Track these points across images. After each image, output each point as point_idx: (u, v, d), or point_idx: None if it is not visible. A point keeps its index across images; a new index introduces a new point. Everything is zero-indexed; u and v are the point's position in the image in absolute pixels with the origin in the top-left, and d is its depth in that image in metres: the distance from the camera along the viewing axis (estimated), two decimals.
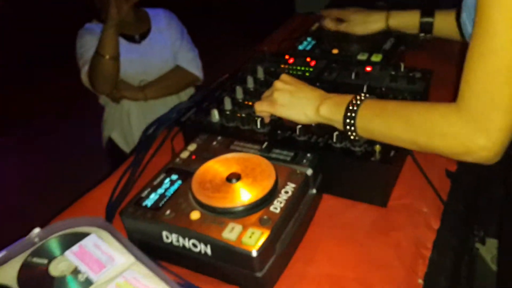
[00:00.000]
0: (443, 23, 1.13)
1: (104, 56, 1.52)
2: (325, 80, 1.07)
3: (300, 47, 1.27)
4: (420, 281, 0.73)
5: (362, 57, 1.17)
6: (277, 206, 0.74)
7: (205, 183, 0.79)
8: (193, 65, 1.78)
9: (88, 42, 1.63)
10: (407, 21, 1.18)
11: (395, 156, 0.82)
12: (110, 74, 1.57)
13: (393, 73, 1.03)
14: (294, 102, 0.85)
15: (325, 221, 0.85)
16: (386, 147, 0.83)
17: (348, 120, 0.78)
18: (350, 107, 0.78)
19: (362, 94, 0.80)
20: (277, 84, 0.88)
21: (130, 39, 1.71)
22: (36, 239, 0.78)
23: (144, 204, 0.79)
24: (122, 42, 1.66)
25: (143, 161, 1.03)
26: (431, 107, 0.70)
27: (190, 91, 1.88)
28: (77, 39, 1.68)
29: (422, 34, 1.17)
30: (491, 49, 0.59)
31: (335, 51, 1.22)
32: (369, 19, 1.22)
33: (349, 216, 0.85)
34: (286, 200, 0.76)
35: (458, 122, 0.64)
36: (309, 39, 1.31)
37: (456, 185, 0.92)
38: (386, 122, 0.75)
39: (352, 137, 0.80)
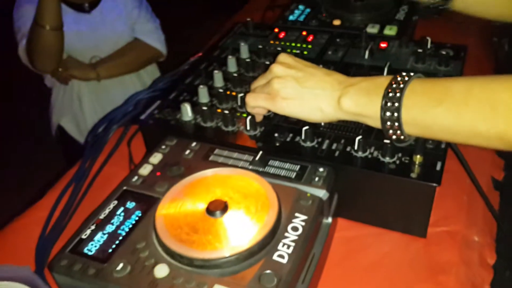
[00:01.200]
0: None
1: (44, 26, 1.26)
2: (330, 60, 0.83)
3: (291, 17, 1.01)
4: None
5: (372, 29, 0.92)
6: (283, 252, 0.51)
7: (176, 218, 0.54)
8: (154, 38, 1.52)
9: (26, 12, 1.36)
10: None
11: (442, 170, 0.59)
12: (52, 49, 1.32)
13: (419, 50, 0.79)
14: (303, 93, 0.60)
15: (344, 258, 0.61)
16: (430, 158, 0.59)
17: (389, 114, 0.53)
18: (390, 94, 0.53)
19: (405, 74, 0.55)
20: (276, 68, 0.62)
21: (78, 7, 1.44)
22: None
23: (85, 250, 0.53)
24: (68, 11, 1.40)
25: (89, 174, 0.76)
26: None
27: (153, 70, 1.61)
28: (14, 9, 1.41)
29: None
30: None
31: (336, 22, 0.97)
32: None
33: (377, 252, 0.62)
34: (296, 242, 0.52)
35: None
36: (301, 7, 1.05)
37: (507, 199, 0.71)
38: (455, 110, 0.50)
39: (396, 139, 0.55)
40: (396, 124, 0.53)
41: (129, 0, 1.49)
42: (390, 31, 0.91)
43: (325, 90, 0.59)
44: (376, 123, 0.55)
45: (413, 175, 0.58)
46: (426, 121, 0.52)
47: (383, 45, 0.84)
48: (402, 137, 0.54)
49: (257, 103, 0.63)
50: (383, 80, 0.55)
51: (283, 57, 0.64)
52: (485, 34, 1.12)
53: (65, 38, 1.34)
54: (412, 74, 0.54)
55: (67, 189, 0.74)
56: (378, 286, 0.58)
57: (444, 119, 0.50)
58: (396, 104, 0.52)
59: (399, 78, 0.54)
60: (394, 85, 0.53)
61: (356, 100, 0.56)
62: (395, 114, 0.52)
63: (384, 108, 0.53)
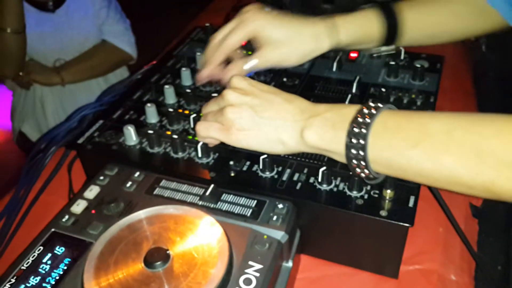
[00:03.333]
0: (415, 25, 0.67)
1: (4, 29, 1.18)
2: (295, 73, 0.75)
3: None
4: None
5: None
6: None
7: (109, 268, 0.46)
8: (123, 40, 1.44)
9: None
10: (364, 29, 0.66)
11: (415, 207, 0.52)
12: (14, 53, 1.24)
13: (391, 62, 0.72)
14: (262, 124, 0.52)
15: None
16: (402, 193, 0.53)
17: (354, 152, 0.46)
18: (356, 129, 0.46)
19: (372, 105, 0.48)
20: (229, 95, 0.54)
21: (41, 6, 1.35)
22: None
23: None
24: (31, 10, 1.31)
25: (24, 204, 0.67)
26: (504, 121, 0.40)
27: (123, 74, 1.53)
28: None
29: (383, 49, 0.73)
30: None
31: None
32: (302, 37, 0.64)
33: None
34: None
35: None
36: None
37: (485, 227, 0.65)
38: (433, 154, 0.43)
39: (365, 177, 0.49)
40: (363, 163, 0.46)
41: (97, 0, 1.40)
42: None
43: (286, 120, 0.52)
44: (342, 159, 0.48)
45: (383, 213, 0.51)
46: (400, 163, 0.45)
47: (353, 55, 0.77)
48: (371, 175, 0.47)
49: (209, 134, 0.55)
50: (350, 111, 0.48)
51: (236, 81, 0.56)
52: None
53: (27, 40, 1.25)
54: (380, 105, 0.47)
55: None
56: None
57: (421, 163, 0.43)
58: (362, 142, 0.45)
59: (365, 111, 0.46)
60: (359, 119, 0.46)
61: (320, 134, 0.49)
62: (361, 153, 0.45)
63: (349, 146, 0.46)
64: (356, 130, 0.46)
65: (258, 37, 0.63)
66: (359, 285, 0.56)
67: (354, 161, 0.46)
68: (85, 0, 1.41)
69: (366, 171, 0.47)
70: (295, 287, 0.56)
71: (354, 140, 0.46)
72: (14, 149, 1.62)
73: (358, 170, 0.47)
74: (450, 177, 0.42)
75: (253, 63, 0.64)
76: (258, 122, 0.52)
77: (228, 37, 0.64)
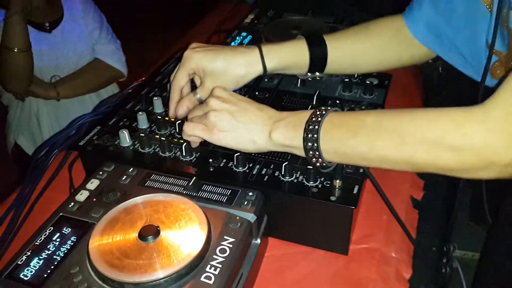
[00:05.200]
0: (341, 54, 0.79)
1: (12, 49, 1.26)
2: (265, 88, 0.88)
3: (233, 44, 1.06)
4: None
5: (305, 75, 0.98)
6: (210, 274, 0.54)
7: (109, 244, 0.57)
8: (114, 58, 1.54)
9: None
10: (290, 58, 0.77)
11: (359, 193, 0.64)
12: (24, 70, 1.32)
13: (346, 80, 0.85)
14: (238, 127, 0.64)
15: (273, 275, 0.66)
16: (348, 182, 0.65)
17: (310, 144, 0.59)
18: (310, 126, 0.59)
19: (323, 108, 0.61)
20: (212, 102, 0.66)
21: (39, 27, 1.45)
22: None
23: (21, 275, 0.55)
24: (29, 30, 1.40)
25: (30, 199, 0.77)
26: (433, 113, 0.53)
27: (113, 90, 1.63)
28: None
29: (308, 75, 0.80)
30: None
31: None
32: (233, 65, 0.74)
33: (303, 268, 0.66)
34: (223, 264, 0.56)
35: (480, 133, 0.49)
36: (243, 33, 1.10)
37: (424, 217, 0.77)
38: (369, 142, 0.56)
39: (320, 165, 0.61)
40: (317, 153, 0.59)
41: (90, 21, 1.51)
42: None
43: (258, 124, 0.64)
44: (302, 152, 0.61)
45: (333, 198, 0.63)
46: (344, 150, 0.58)
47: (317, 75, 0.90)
48: (324, 164, 0.60)
49: (194, 132, 0.67)
50: (306, 114, 0.61)
51: (218, 91, 0.68)
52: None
53: None
54: (329, 108, 0.60)
55: (8, 214, 0.75)
56: None
57: (359, 148, 0.56)
58: (315, 136, 0.58)
59: (317, 113, 0.59)
60: (313, 119, 0.59)
61: (284, 134, 0.62)
62: (315, 144, 0.58)
63: (305, 140, 0.59)
64: (310, 127, 0.58)
65: (198, 71, 0.74)
66: (315, 260, 0.67)
67: (311, 152, 0.59)
68: (79, 22, 1.51)
69: (320, 159, 0.60)
70: (264, 262, 0.67)
71: (309, 135, 0.58)
72: (8, 162, 1.69)
73: (314, 159, 0.60)
74: (381, 156, 0.56)
75: (198, 96, 0.74)
76: (235, 125, 0.64)
77: (175, 77, 0.75)
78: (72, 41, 1.50)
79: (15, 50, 1.28)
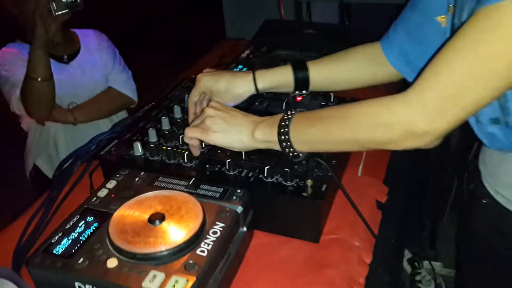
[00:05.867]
0: (321, 76, 0.96)
1: (35, 78, 1.41)
2: (256, 109, 1.04)
3: None
4: None
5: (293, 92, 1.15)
6: (204, 249, 0.69)
7: (124, 226, 0.72)
8: (126, 87, 1.70)
9: (13, 63, 1.50)
10: (278, 80, 0.95)
11: (326, 191, 0.79)
12: (46, 97, 1.47)
13: (323, 103, 1.02)
14: (228, 128, 0.81)
15: (256, 259, 0.80)
16: (318, 182, 0.80)
17: (283, 137, 0.76)
18: (282, 123, 0.76)
19: (292, 111, 0.78)
20: (208, 110, 0.83)
21: (58, 59, 1.60)
22: None
23: (54, 251, 0.70)
24: (50, 62, 1.54)
25: (57, 200, 0.93)
26: (368, 101, 0.69)
27: (123, 115, 1.79)
28: None
29: (296, 92, 0.97)
30: (488, 50, 0.58)
31: None
32: (233, 85, 0.93)
33: (281, 254, 0.81)
34: (214, 242, 0.70)
35: (403, 110, 0.65)
36: (240, 66, 1.28)
37: (386, 216, 0.92)
38: (323, 128, 0.73)
39: (290, 155, 0.77)
40: (288, 143, 0.75)
41: (104, 54, 1.68)
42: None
43: (243, 126, 0.81)
44: (277, 146, 0.77)
45: (305, 194, 0.78)
46: (307, 138, 0.75)
47: (298, 98, 1.07)
48: (295, 153, 0.76)
49: (194, 134, 0.83)
50: (279, 116, 0.78)
51: (214, 103, 0.85)
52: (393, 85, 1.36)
53: None
54: (297, 110, 0.77)
55: (38, 213, 0.90)
56: (281, 278, 0.76)
57: (318, 134, 0.74)
58: (286, 130, 0.75)
59: (288, 113, 0.76)
60: (285, 118, 0.76)
61: (264, 132, 0.79)
62: (287, 137, 0.75)
63: (279, 134, 0.75)
64: (283, 124, 0.76)
65: (207, 90, 0.94)
66: (291, 247, 0.82)
67: (284, 144, 0.76)
68: (94, 55, 1.68)
69: (291, 149, 0.76)
70: (250, 248, 0.82)
71: (282, 131, 0.76)
72: (27, 184, 1.83)
73: (287, 150, 0.76)
74: (334, 139, 0.72)
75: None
76: (226, 127, 0.81)
77: (190, 95, 0.96)
78: (88, 71, 1.65)
79: (39, 80, 1.42)
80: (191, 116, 0.94)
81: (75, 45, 1.68)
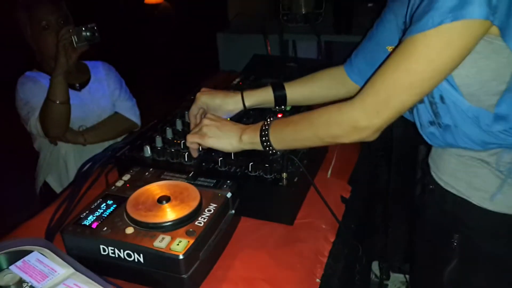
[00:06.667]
0: (296, 94, 1.19)
1: (54, 101, 1.60)
2: (244, 123, 1.26)
3: None
4: (318, 280, 0.90)
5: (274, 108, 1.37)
6: (201, 221, 0.89)
7: (138, 204, 0.92)
8: (131, 113, 1.90)
9: (31, 88, 1.71)
10: (262, 98, 1.18)
11: (298, 181, 1.01)
12: (63, 118, 1.65)
13: None
14: (221, 134, 1.03)
15: (243, 237, 1.00)
16: (292, 175, 1.01)
17: (264, 139, 0.98)
18: (263, 128, 0.99)
19: (271, 117, 1.00)
20: (205, 120, 1.05)
21: (71, 86, 1.79)
22: None
23: (83, 223, 0.90)
24: None
25: (78, 195, 1.13)
26: (327, 106, 0.92)
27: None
28: (18, 87, 1.75)
29: (277, 108, 1.21)
30: (406, 68, 0.80)
31: None
32: (225, 102, 1.16)
33: (262, 233, 1.01)
34: (209, 217, 0.90)
35: (350, 111, 0.87)
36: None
37: (348, 208, 1.13)
38: (294, 128, 0.96)
39: (271, 152, 0.99)
40: (268, 143, 0.97)
41: (111, 83, 1.89)
42: (287, 108, 1.37)
43: (233, 132, 1.03)
44: (260, 146, 0.99)
45: (281, 184, 0.99)
46: (283, 137, 0.97)
47: (279, 115, 1.29)
48: (274, 150, 0.98)
49: (193, 139, 1.05)
50: (261, 123, 1.00)
51: (209, 115, 1.07)
52: None
53: None
54: (273, 118, 0.99)
55: (64, 203, 1.10)
56: (260, 249, 0.96)
57: (291, 135, 0.95)
58: (266, 132, 0.97)
59: (267, 120, 0.98)
60: (265, 123, 0.98)
61: (249, 136, 1.00)
62: (267, 138, 0.96)
63: (261, 136, 0.97)
64: (264, 128, 0.98)
65: (204, 105, 1.17)
66: (270, 228, 1.02)
67: (265, 143, 0.97)
68: (103, 84, 1.90)
69: (271, 147, 0.98)
70: (238, 230, 1.01)
71: (263, 133, 0.97)
72: (35, 201, 2.00)
73: (267, 148, 0.98)
74: (303, 136, 0.94)
75: None
76: (219, 133, 1.02)
77: (190, 110, 1.18)
78: (97, 98, 1.86)
79: (57, 102, 1.61)
80: (192, 126, 1.16)
81: (86, 74, 1.89)
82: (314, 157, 1.18)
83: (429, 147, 1.07)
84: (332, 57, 2.20)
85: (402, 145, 1.57)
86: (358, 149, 1.37)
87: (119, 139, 1.94)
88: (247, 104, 1.17)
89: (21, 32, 1.79)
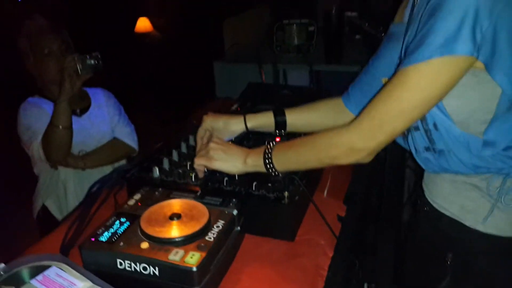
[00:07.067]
0: (296, 120, 1.27)
1: (58, 126, 1.66)
2: (244, 146, 1.34)
3: None
4: None
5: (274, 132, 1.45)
6: (211, 236, 0.95)
7: (152, 221, 0.98)
8: (130, 138, 1.97)
9: (34, 114, 1.76)
10: (263, 122, 1.27)
11: (299, 200, 1.08)
12: (65, 143, 1.71)
13: None
14: (226, 157, 1.10)
15: (248, 252, 1.06)
16: (293, 194, 1.09)
17: (267, 161, 1.06)
18: (267, 151, 1.07)
19: (273, 142, 1.09)
20: (212, 144, 1.13)
21: (72, 112, 1.85)
22: (2, 272, 0.90)
23: (100, 238, 0.95)
24: None
25: (88, 213, 1.18)
26: (327, 130, 1.01)
27: (124, 163, 2.03)
28: (20, 112, 1.80)
29: (277, 132, 1.29)
30: (398, 96, 0.89)
31: None
32: (229, 124, 1.25)
33: (266, 248, 1.07)
34: (218, 232, 0.97)
35: (347, 134, 0.96)
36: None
37: (345, 226, 1.20)
38: (296, 151, 1.04)
39: (273, 174, 1.07)
40: (271, 165, 1.04)
41: (111, 109, 1.96)
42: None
43: (238, 155, 1.10)
44: (263, 168, 1.06)
45: (283, 202, 1.06)
46: (285, 160, 1.05)
47: (277, 139, 1.37)
48: (276, 172, 1.05)
49: (200, 162, 1.12)
50: (264, 147, 1.07)
51: (215, 139, 1.15)
52: None
53: None
54: (276, 141, 1.07)
55: (74, 223, 1.15)
56: (265, 264, 1.02)
57: (293, 158, 1.04)
58: (269, 155, 1.05)
59: (270, 145, 1.06)
60: (268, 147, 1.06)
61: (253, 159, 1.08)
62: (270, 160, 1.04)
63: (265, 159, 1.05)
64: (267, 151, 1.05)
65: (209, 128, 1.25)
66: (273, 245, 1.08)
67: (268, 166, 1.05)
68: (102, 110, 1.96)
69: (274, 169, 1.05)
70: (243, 245, 1.08)
71: (266, 156, 1.05)
72: (33, 225, 2.03)
73: (270, 170, 1.06)
74: (304, 159, 1.02)
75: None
76: (224, 157, 1.10)
77: (197, 132, 1.25)
78: (97, 124, 1.92)
79: (60, 127, 1.67)
80: (198, 147, 1.23)
81: (87, 101, 1.96)
82: (312, 177, 1.26)
83: (416, 172, 1.16)
84: (322, 85, 2.32)
85: (391, 169, 1.66)
86: (350, 171, 1.45)
87: (116, 164, 2.00)
88: (249, 125, 1.26)
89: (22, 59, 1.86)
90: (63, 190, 1.89)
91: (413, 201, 1.23)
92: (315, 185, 1.30)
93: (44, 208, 1.91)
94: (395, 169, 1.63)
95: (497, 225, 0.98)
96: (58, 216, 1.90)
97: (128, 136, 1.98)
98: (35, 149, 1.76)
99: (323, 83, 2.32)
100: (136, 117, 2.21)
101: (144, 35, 6.36)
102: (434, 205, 1.08)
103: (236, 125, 1.25)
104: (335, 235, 1.13)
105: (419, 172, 1.17)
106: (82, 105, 1.93)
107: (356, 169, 1.45)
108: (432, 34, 0.84)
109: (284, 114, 1.27)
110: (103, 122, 1.95)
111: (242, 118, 1.25)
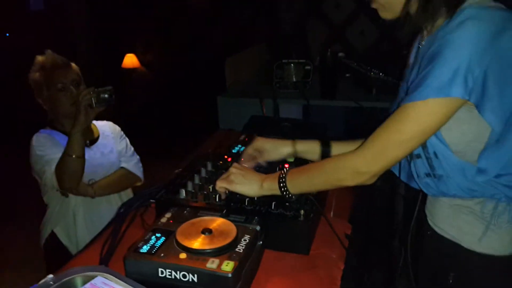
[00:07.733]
0: (340, 152, 1.31)
1: (72, 155, 1.76)
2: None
3: (234, 150, 1.68)
4: None
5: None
6: (240, 248, 1.08)
7: (186, 235, 1.10)
8: (136, 168, 2.08)
9: (47, 144, 1.86)
10: (309, 149, 1.40)
11: (314, 217, 1.22)
12: (78, 171, 1.80)
13: None
14: (245, 181, 1.24)
15: (269, 265, 1.18)
16: (307, 212, 1.23)
17: (282, 185, 1.20)
18: (281, 176, 1.21)
19: (285, 168, 1.23)
20: (232, 169, 1.26)
21: None
22: (51, 283, 1.00)
23: (141, 250, 1.07)
24: None
25: (118, 233, 1.29)
26: (336, 156, 1.17)
27: (128, 192, 2.12)
28: (33, 143, 1.89)
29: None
30: (398, 129, 1.04)
31: None
32: (279, 146, 1.40)
33: (285, 261, 1.20)
34: (246, 245, 1.09)
35: (353, 159, 1.11)
36: (239, 145, 1.73)
37: (351, 243, 1.34)
38: (308, 175, 1.18)
39: (287, 196, 1.20)
40: (286, 188, 1.18)
41: (118, 141, 2.08)
42: (291, 159, 1.60)
43: (256, 180, 1.24)
44: (278, 191, 1.20)
45: (300, 219, 1.20)
46: (297, 184, 1.19)
47: (286, 166, 1.52)
48: (290, 195, 1.19)
49: (222, 184, 1.25)
50: (279, 172, 1.22)
51: (235, 164, 1.29)
52: None
53: None
54: (284, 166, 1.22)
55: (107, 241, 1.26)
56: (285, 275, 1.15)
57: (305, 181, 1.17)
58: (284, 179, 1.18)
59: (284, 170, 1.21)
60: (283, 172, 1.20)
61: (268, 183, 1.22)
62: (284, 184, 1.18)
63: (280, 183, 1.19)
64: (281, 176, 1.19)
65: (259, 147, 1.40)
66: (290, 258, 1.21)
67: (283, 189, 1.19)
68: (110, 142, 2.07)
69: (288, 192, 1.19)
70: (263, 259, 1.20)
71: (281, 180, 1.19)
72: (40, 254, 2.10)
73: (285, 193, 1.19)
74: (317, 182, 1.17)
75: (256, 161, 1.40)
76: (244, 180, 1.24)
77: (246, 148, 1.41)
78: (105, 154, 2.03)
79: (74, 156, 1.77)
80: (241, 160, 1.39)
81: (95, 133, 2.08)
82: (320, 198, 1.40)
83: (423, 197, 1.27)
84: (318, 118, 2.50)
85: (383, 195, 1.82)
86: (352, 192, 1.60)
87: (122, 193, 2.09)
88: (298, 149, 1.41)
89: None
90: (72, 217, 1.97)
91: (417, 225, 1.35)
92: (323, 206, 1.44)
93: (53, 235, 1.98)
94: (386, 195, 1.79)
95: (492, 246, 1.10)
96: (67, 242, 1.97)
97: (134, 166, 2.09)
98: (49, 177, 1.84)
99: (319, 116, 2.50)
100: (143, 149, 2.32)
101: (131, 70, 6.53)
102: (435, 228, 1.20)
103: (284, 148, 1.40)
104: (345, 247, 1.27)
105: (411, 199, 1.31)
106: (91, 137, 2.04)
107: (357, 189, 1.60)
108: (430, 77, 1.00)
109: (329, 145, 1.40)
110: (111, 152, 2.06)
111: (290, 142, 1.40)
